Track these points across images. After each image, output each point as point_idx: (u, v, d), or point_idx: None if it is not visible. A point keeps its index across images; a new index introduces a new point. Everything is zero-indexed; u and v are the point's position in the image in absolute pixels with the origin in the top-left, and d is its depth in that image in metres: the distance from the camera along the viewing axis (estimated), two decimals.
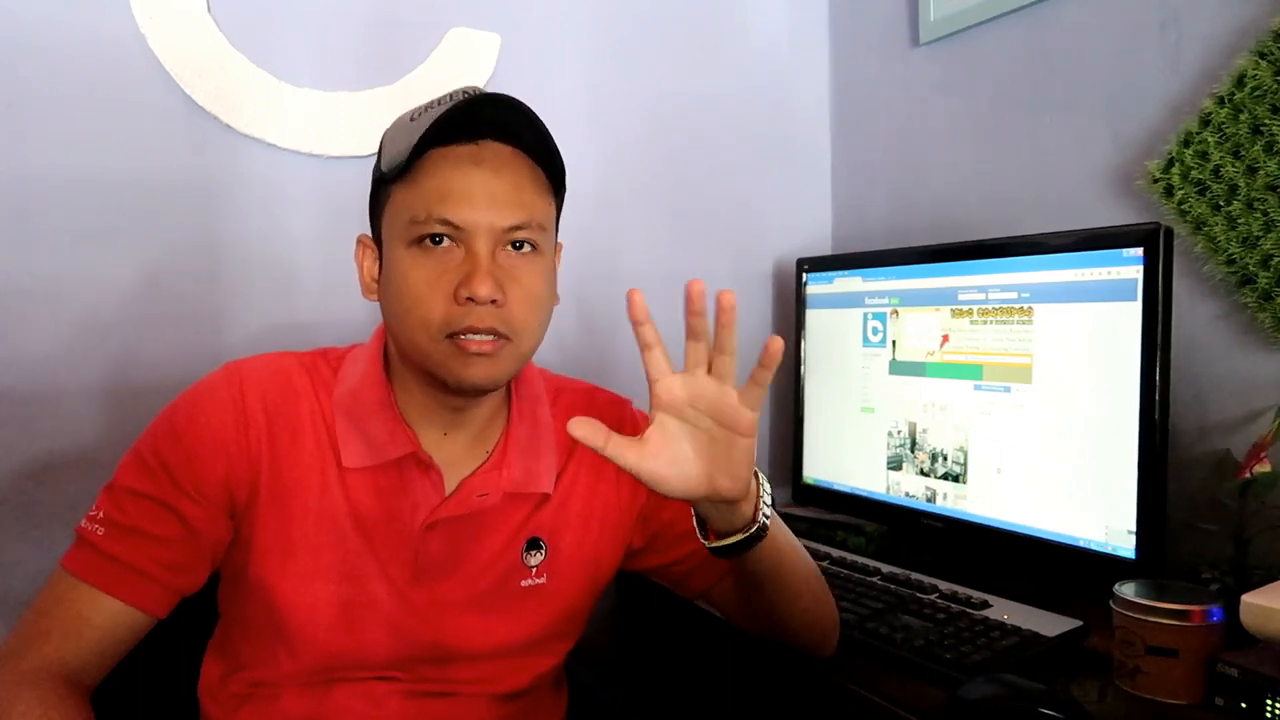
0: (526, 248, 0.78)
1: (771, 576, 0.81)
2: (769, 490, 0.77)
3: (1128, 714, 0.81)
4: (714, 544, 0.76)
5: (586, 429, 0.67)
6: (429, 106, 0.77)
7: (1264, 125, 1.02)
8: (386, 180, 0.80)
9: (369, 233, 0.85)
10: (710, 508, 0.74)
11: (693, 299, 0.67)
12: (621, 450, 0.68)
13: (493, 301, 0.74)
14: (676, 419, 0.70)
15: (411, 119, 0.78)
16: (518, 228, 0.77)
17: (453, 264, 0.76)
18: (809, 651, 0.90)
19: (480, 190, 0.76)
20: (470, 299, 0.74)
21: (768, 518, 0.75)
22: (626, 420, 0.94)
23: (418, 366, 0.80)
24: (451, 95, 0.77)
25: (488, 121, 0.77)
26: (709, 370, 0.69)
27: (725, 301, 0.67)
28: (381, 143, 0.82)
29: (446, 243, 0.76)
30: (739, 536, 0.75)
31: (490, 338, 0.75)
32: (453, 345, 0.75)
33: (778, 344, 0.66)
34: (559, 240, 0.87)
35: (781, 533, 0.81)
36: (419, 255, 0.76)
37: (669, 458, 0.69)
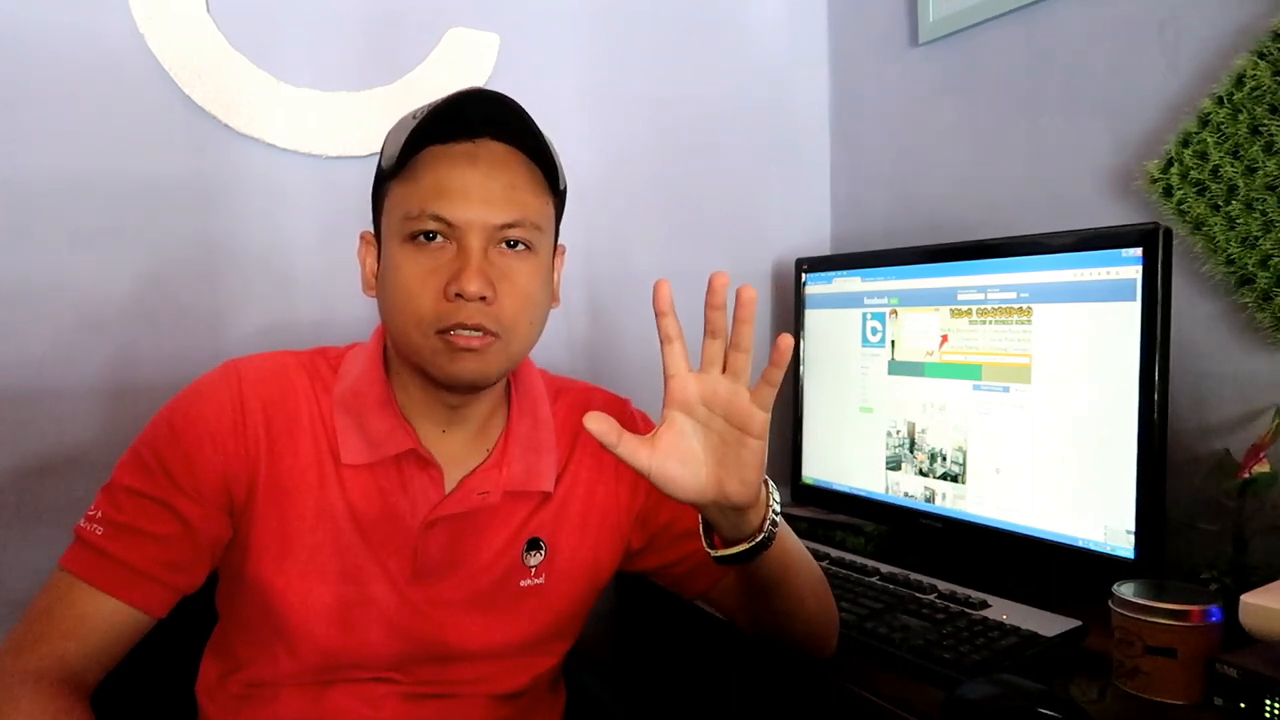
0: (520, 246, 0.78)
1: (776, 583, 0.80)
2: (778, 500, 0.76)
3: (1127, 714, 0.81)
4: (719, 553, 0.75)
5: (603, 424, 0.67)
6: (430, 105, 0.77)
7: (1263, 125, 1.02)
8: (386, 177, 0.80)
9: (371, 230, 0.85)
10: (718, 513, 0.72)
11: (715, 290, 0.67)
12: (633, 449, 0.68)
13: (482, 299, 0.74)
14: (688, 417, 0.70)
15: (414, 117, 0.78)
16: (510, 225, 0.77)
17: (445, 260, 0.76)
18: (809, 653, 0.90)
19: (475, 187, 0.76)
20: (459, 295, 0.74)
21: (775, 526, 0.74)
22: (626, 420, 0.93)
23: (411, 362, 0.80)
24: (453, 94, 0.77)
25: (485, 120, 0.78)
26: (724, 369, 0.69)
27: (745, 296, 0.67)
28: (384, 141, 0.82)
29: (440, 240, 0.76)
30: (744, 546, 0.74)
31: (479, 334, 0.75)
32: (442, 341, 0.75)
33: (788, 341, 0.66)
34: (561, 243, 0.87)
35: (788, 539, 0.80)
36: (412, 251, 0.76)
37: (679, 457, 0.69)
